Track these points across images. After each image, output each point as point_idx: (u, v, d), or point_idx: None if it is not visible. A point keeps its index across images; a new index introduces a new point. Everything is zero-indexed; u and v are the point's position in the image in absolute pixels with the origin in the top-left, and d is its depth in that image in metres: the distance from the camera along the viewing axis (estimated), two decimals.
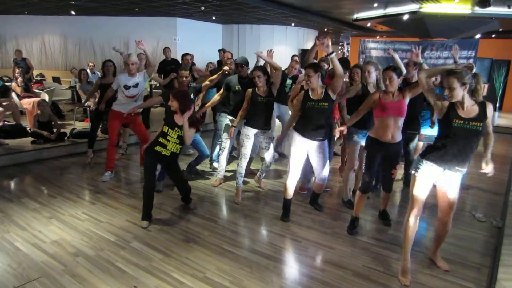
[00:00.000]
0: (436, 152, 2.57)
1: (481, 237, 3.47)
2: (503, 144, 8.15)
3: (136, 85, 4.57)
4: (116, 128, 4.67)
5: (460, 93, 2.46)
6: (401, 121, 3.20)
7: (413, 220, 2.64)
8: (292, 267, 2.88)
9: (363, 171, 3.32)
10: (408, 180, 4.63)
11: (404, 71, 4.45)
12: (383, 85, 3.28)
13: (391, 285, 2.63)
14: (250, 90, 3.93)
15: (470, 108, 2.54)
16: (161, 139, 3.45)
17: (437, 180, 2.65)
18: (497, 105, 10.12)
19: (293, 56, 6.09)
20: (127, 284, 2.56)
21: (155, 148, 3.45)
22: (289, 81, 5.34)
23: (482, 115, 2.55)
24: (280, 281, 2.66)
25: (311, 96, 3.41)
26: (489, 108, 2.63)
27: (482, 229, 3.63)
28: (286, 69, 5.45)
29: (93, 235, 3.23)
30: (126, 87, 4.51)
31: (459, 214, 3.97)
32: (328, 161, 3.63)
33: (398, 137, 3.23)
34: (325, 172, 3.62)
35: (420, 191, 2.62)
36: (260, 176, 4.54)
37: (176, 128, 3.43)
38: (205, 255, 2.97)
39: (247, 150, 4.05)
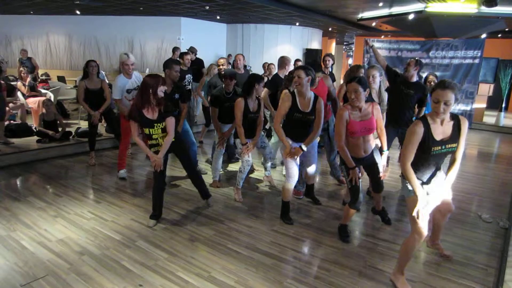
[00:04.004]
0: (414, 171, 2.43)
1: (487, 238, 3.45)
2: (509, 144, 8.09)
3: (137, 88, 4.51)
4: (129, 129, 4.67)
5: (451, 108, 2.29)
6: (371, 136, 3.11)
7: (416, 244, 2.47)
8: (297, 267, 2.87)
9: (348, 188, 3.14)
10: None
11: (384, 65, 4.44)
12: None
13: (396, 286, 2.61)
14: (241, 103, 3.84)
15: (446, 125, 2.38)
16: (149, 142, 3.40)
17: (427, 191, 2.54)
18: (503, 105, 10.01)
19: (296, 60, 5.97)
20: (132, 283, 2.56)
21: (153, 151, 3.42)
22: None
23: (456, 134, 2.41)
24: (285, 281, 2.65)
25: (299, 106, 3.36)
26: (464, 125, 2.42)
27: (489, 230, 3.60)
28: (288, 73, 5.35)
29: (99, 234, 3.24)
30: (129, 91, 4.48)
31: (465, 215, 3.95)
32: (316, 155, 3.78)
33: (370, 148, 3.15)
34: (314, 166, 3.78)
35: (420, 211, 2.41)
36: (268, 174, 4.64)
37: (155, 124, 3.34)
38: (210, 255, 2.97)
39: (247, 156, 4.01)
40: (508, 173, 5.61)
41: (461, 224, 3.69)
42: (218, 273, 2.70)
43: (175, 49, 8.01)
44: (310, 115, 3.42)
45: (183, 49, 8.61)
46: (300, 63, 5.57)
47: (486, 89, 9.95)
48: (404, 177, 2.47)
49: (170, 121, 3.36)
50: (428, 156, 2.41)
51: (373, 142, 3.22)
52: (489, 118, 10.19)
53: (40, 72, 10.27)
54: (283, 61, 5.05)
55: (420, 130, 2.32)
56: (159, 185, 3.50)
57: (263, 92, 4.42)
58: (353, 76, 3.06)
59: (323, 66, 5.51)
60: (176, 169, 5.12)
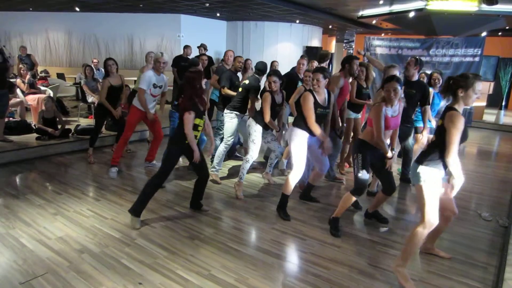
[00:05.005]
0: (434, 156, 2.49)
1: (487, 236, 3.45)
2: (509, 143, 8.09)
3: (161, 86, 4.62)
4: (135, 124, 4.75)
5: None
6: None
7: (426, 233, 2.53)
8: (297, 265, 2.87)
9: (357, 176, 3.21)
10: (406, 177, 4.62)
11: (381, 68, 4.55)
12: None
13: (397, 284, 2.61)
14: (269, 97, 3.99)
15: None
16: (194, 133, 3.42)
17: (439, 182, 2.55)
18: (503, 103, 10.02)
19: (302, 56, 5.91)
20: (132, 281, 2.56)
21: (186, 142, 3.38)
22: (300, 84, 5.01)
23: None
24: (285, 279, 2.65)
25: (319, 101, 3.47)
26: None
27: (488, 228, 3.60)
28: (294, 68, 5.32)
29: (98, 232, 3.24)
30: (155, 85, 4.52)
31: (465, 213, 3.95)
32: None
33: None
34: (327, 162, 3.78)
35: (432, 200, 2.48)
36: (268, 171, 4.64)
37: (203, 116, 3.48)
38: (210, 253, 2.96)
39: (257, 146, 4.11)
40: (508, 171, 5.61)
41: (461, 222, 3.69)
42: (218, 271, 2.70)
43: (186, 47, 8.07)
44: (328, 109, 3.59)
45: (183, 46, 8.63)
46: (304, 61, 5.41)
47: (486, 87, 9.94)
48: (419, 162, 2.52)
49: (207, 119, 3.57)
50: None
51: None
52: (489, 116, 10.19)
53: (40, 69, 10.24)
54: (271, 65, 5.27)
55: (463, 120, 2.39)
56: (161, 182, 3.49)
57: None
58: (391, 75, 3.21)
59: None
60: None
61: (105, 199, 3.98)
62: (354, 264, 2.86)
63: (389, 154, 3.18)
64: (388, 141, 3.28)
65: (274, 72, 4.06)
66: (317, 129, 3.45)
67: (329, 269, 2.79)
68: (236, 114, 4.47)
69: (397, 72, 3.85)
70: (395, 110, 3.19)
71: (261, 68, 4.58)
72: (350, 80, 4.47)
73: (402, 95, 3.85)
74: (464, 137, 2.44)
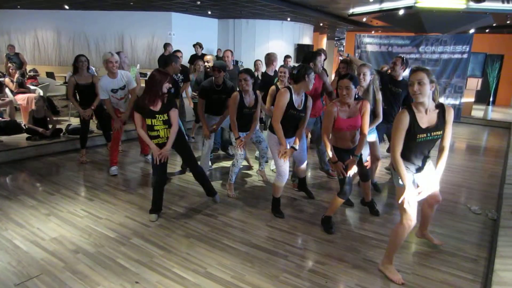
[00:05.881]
0: (404, 161, 2.50)
1: (477, 229, 3.53)
2: (497, 137, 8.25)
3: (123, 87, 4.51)
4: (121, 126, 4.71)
5: (428, 91, 2.35)
6: (357, 131, 3.21)
7: (405, 233, 2.56)
8: (292, 261, 2.90)
9: (338, 179, 3.23)
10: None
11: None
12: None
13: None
14: (237, 97, 3.83)
15: (431, 113, 2.43)
16: (150, 133, 3.42)
17: (415, 180, 2.60)
18: (491, 99, 10.21)
19: (286, 57, 5.90)
20: (128, 280, 2.56)
21: (154, 143, 3.43)
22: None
23: (441, 122, 2.45)
24: (281, 275, 2.68)
25: (294, 103, 3.35)
26: (449, 113, 2.46)
27: (478, 222, 3.68)
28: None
29: (93, 232, 3.23)
30: (114, 90, 4.44)
31: (455, 207, 4.03)
32: (306, 151, 3.85)
33: (357, 139, 3.24)
34: (305, 157, 3.82)
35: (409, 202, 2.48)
36: (261, 168, 4.66)
37: (157, 115, 3.37)
38: (205, 251, 2.98)
39: (242, 151, 4.04)
40: (496, 166, 5.72)
41: (451, 216, 3.77)
42: (214, 269, 2.72)
43: (166, 45, 7.96)
44: (302, 113, 3.46)
45: (174, 44, 8.59)
46: (290, 60, 5.43)
47: (474, 83, 10.10)
48: (395, 168, 2.52)
49: (174, 113, 3.43)
50: (415, 144, 2.46)
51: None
52: (477, 112, 10.36)
53: (28, 68, 10.10)
54: (269, 58, 5.06)
55: (405, 117, 2.38)
56: (159, 179, 3.50)
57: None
58: (346, 73, 3.11)
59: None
60: (169, 166, 5.10)
61: (99, 199, 3.96)
62: (348, 259, 2.91)
63: (334, 158, 3.09)
64: (347, 144, 3.19)
65: (246, 70, 3.90)
66: (278, 131, 3.35)
67: (324, 264, 2.83)
68: (207, 115, 4.43)
69: (368, 72, 3.80)
70: (353, 111, 3.06)
71: (217, 66, 4.26)
72: (334, 78, 4.47)
73: (381, 98, 3.89)
74: (410, 137, 2.40)
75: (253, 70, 4.15)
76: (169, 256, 2.87)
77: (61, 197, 3.99)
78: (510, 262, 2.72)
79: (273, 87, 4.41)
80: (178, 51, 6.00)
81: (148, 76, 3.42)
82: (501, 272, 2.58)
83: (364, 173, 3.47)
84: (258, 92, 4.17)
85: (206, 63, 4.54)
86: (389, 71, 4.54)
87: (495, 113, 10.52)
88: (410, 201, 2.46)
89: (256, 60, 6.35)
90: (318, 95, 4.33)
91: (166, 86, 3.34)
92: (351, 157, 3.16)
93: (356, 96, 3.21)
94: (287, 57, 6.60)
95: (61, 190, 4.18)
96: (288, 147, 3.47)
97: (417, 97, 2.37)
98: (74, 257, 2.82)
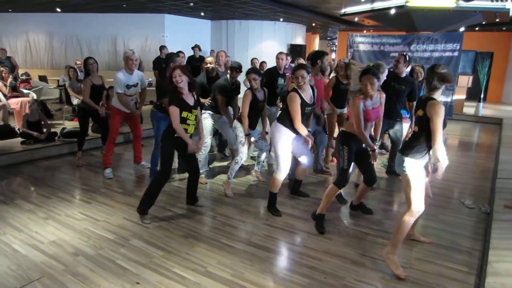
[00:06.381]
0: (420, 147, 2.61)
1: (470, 223, 3.60)
2: (488, 133, 8.37)
3: (136, 85, 4.60)
4: (117, 124, 4.74)
5: None
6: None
7: (412, 220, 2.67)
8: (291, 258, 2.94)
9: (341, 168, 3.30)
10: (392, 169, 4.75)
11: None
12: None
13: (388, 272, 2.71)
14: (250, 94, 3.96)
15: None
16: (182, 126, 3.42)
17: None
18: (482, 96, 10.37)
19: (279, 53, 5.90)
20: (129, 281, 2.58)
21: (176, 136, 3.41)
22: (281, 81, 5.06)
23: None
24: (280, 272, 2.72)
25: (305, 100, 3.44)
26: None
27: (471, 215, 3.75)
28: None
29: (92, 234, 3.24)
30: (128, 86, 4.52)
31: (449, 201, 4.10)
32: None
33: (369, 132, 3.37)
34: (309, 157, 3.83)
35: (418, 188, 2.60)
36: (257, 169, 4.69)
37: (193, 110, 3.45)
38: (205, 250, 3.00)
39: (245, 147, 4.08)
40: (488, 161, 5.82)
41: (445, 211, 3.84)
42: (214, 268, 2.75)
43: (162, 48, 8.04)
44: (314, 105, 3.61)
45: (168, 46, 8.61)
46: (283, 56, 5.41)
47: (465, 80, 10.24)
48: (404, 154, 2.62)
49: (200, 114, 3.60)
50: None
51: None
52: (469, 108, 10.51)
53: (20, 71, 10.02)
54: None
55: (443, 109, 2.50)
56: (164, 181, 3.52)
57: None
58: (367, 68, 3.24)
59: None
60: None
61: (96, 202, 3.97)
62: (346, 255, 2.95)
63: (374, 147, 3.26)
64: (371, 132, 3.35)
65: (253, 69, 4.04)
66: (303, 130, 3.45)
67: (322, 261, 2.87)
68: (209, 113, 4.45)
69: (384, 69, 3.91)
70: (375, 102, 3.22)
71: (235, 67, 4.37)
72: (331, 76, 4.55)
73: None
74: (444, 125, 2.55)
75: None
76: (168, 257, 2.89)
77: (58, 200, 3.98)
78: (503, 253, 2.79)
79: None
80: (181, 52, 6.08)
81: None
82: (495, 264, 2.64)
83: (373, 177, 3.45)
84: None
85: (209, 64, 4.62)
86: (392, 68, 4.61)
87: (486, 110, 10.67)
88: (421, 186, 2.57)
89: (253, 59, 6.42)
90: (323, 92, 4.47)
91: (179, 78, 3.30)
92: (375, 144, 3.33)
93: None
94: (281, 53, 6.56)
95: (57, 193, 4.18)
96: (300, 140, 3.63)
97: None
98: (74, 259, 2.83)
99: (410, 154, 2.62)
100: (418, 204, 2.62)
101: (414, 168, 2.61)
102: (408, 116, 4.88)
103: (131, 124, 4.87)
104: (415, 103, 4.56)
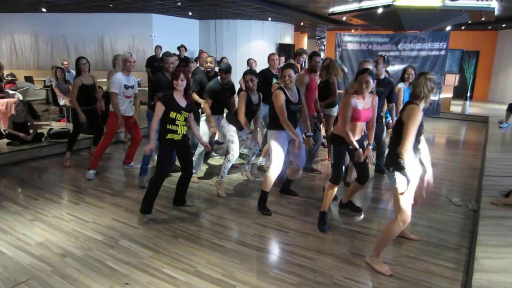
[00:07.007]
0: (397, 158, 2.57)
1: (458, 220, 3.65)
2: (475, 131, 8.51)
3: (133, 87, 4.63)
4: (115, 130, 4.71)
5: None
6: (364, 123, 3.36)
7: (398, 231, 2.66)
8: (281, 256, 2.94)
9: (332, 164, 3.37)
10: (380, 167, 4.78)
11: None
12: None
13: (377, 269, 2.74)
14: (245, 96, 3.98)
15: None
16: (170, 127, 3.43)
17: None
18: (468, 94, 10.53)
19: (271, 54, 5.95)
20: (118, 282, 2.55)
21: (167, 137, 3.43)
22: (275, 80, 4.99)
23: None
24: (270, 271, 2.72)
25: (290, 98, 3.53)
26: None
27: (459, 213, 3.81)
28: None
29: (80, 235, 3.19)
30: (126, 87, 4.54)
31: (437, 199, 4.16)
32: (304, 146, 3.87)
33: (362, 132, 3.36)
34: (304, 157, 3.85)
35: (406, 201, 2.59)
36: (247, 168, 4.69)
37: (183, 112, 3.45)
38: (194, 250, 2.99)
39: (236, 145, 4.10)
40: (475, 159, 5.92)
41: (433, 208, 3.89)
42: (204, 267, 2.74)
43: (157, 47, 8.37)
44: (299, 105, 3.65)
45: (154, 46, 8.60)
46: (276, 57, 5.51)
47: (452, 79, 10.39)
48: (393, 169, 2.58)
49: (191, 116, 3.60)
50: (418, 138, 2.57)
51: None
52: (456, 107, 10.67)
53: (5, 72, 9.83)
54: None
55: (421, 114, 2.49)
56: (159, 181, 3.51)
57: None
58: (365, 68, 3.27)
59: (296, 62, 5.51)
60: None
61: (84, 203, 3.91)
62: (336, 253, 2.97)
63: (356, 146, 3.19)
64: (358, 135, 3.29)
65: (251, 70, 4.09)
66: (289, 127, 3.48)
67: (312, 259, 2.88)
68: (205, 115, 4.47)
69: (370, 66, 3.96)
70: (367, 103, 3.23)
71: (224, 69, 4.35)
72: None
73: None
74: (419, 133, 2.52)
75: (246, 69, 4.26)
76: (158, 257, 2.87)
77: (45, 201, 3.92)
78: (490, 250, 2.84)
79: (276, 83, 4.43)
80: (174, 54, 6.09)
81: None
82: (482, 260, 2.68)
83: (366, 176, 3.43)
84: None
85: (209, 64, 4.72)
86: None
87: (472, 108, 10.85)
88: (410, 197, 2.56)
89: (249, 59, 6.42)
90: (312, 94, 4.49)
91: (180, 82, 3.37)
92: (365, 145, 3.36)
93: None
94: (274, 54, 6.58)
95: (45, 194, 4.11)
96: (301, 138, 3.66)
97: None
98: (62, 261, 2.79)
99: (396, 170, 2.58)
100: (405, 216, 2.58)
101: (403, 182, 2.57)
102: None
103: (132, 128, 4.83)
104: (394, 105, 4.55)
